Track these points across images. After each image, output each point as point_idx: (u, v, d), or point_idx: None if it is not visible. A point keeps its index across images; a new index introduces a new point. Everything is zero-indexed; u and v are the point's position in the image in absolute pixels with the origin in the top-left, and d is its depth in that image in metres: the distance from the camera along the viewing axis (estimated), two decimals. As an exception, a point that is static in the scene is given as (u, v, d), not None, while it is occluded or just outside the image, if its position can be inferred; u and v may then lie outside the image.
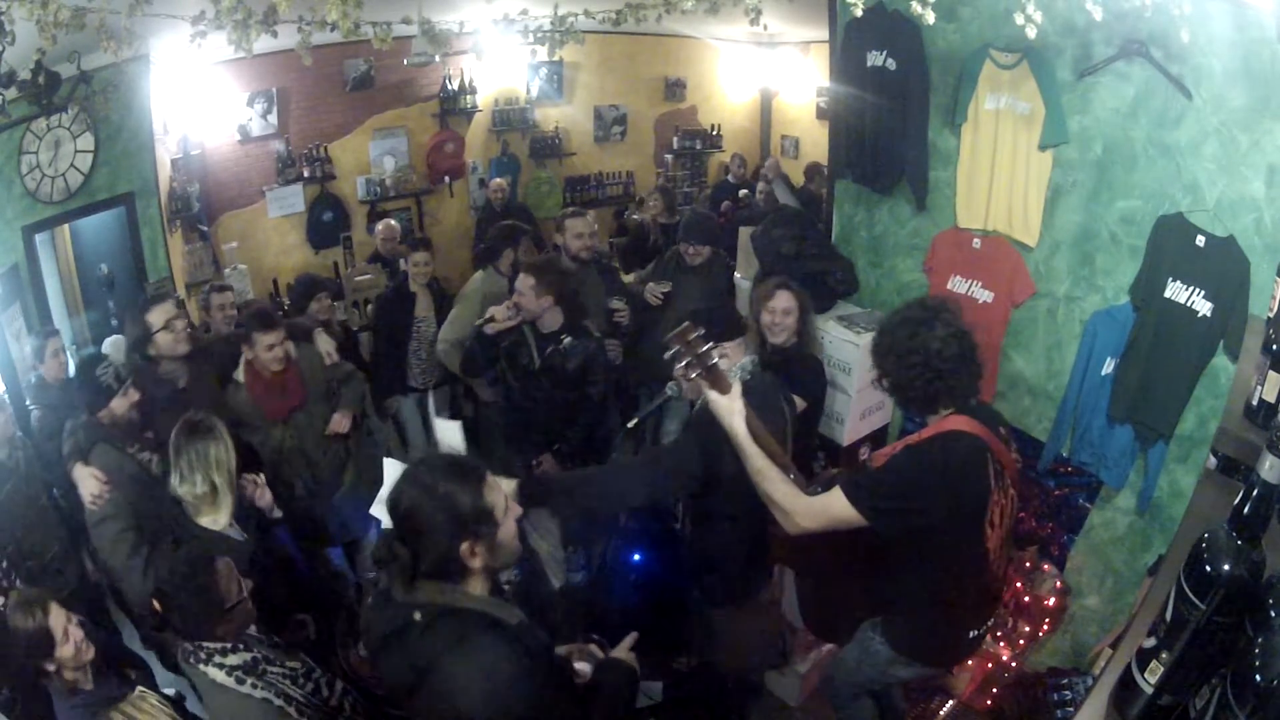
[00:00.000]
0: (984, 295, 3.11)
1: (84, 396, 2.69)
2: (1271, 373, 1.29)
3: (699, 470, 2.10)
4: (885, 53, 3.10)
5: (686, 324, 1.85)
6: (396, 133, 6.15)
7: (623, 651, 1.78)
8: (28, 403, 3.18)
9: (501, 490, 1.52)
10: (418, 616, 1.41)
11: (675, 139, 7.43)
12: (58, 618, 1.85)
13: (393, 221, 5.56)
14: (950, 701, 2.98)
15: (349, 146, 6.00)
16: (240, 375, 3.01)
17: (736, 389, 1.88)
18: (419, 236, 5.43)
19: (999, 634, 3.02)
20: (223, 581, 1.82)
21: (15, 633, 1.81)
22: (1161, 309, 2.55)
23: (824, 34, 3.59)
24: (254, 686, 1.81)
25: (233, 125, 5.42)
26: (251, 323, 2.97)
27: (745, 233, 3.81)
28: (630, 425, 2.41)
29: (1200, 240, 2.43)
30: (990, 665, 3.00)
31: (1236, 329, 2.37)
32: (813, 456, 3.22)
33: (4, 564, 2.39)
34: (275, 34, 2.41)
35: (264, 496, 2.50)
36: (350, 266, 5.66)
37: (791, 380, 2.61)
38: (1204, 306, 2.46)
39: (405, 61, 4.54)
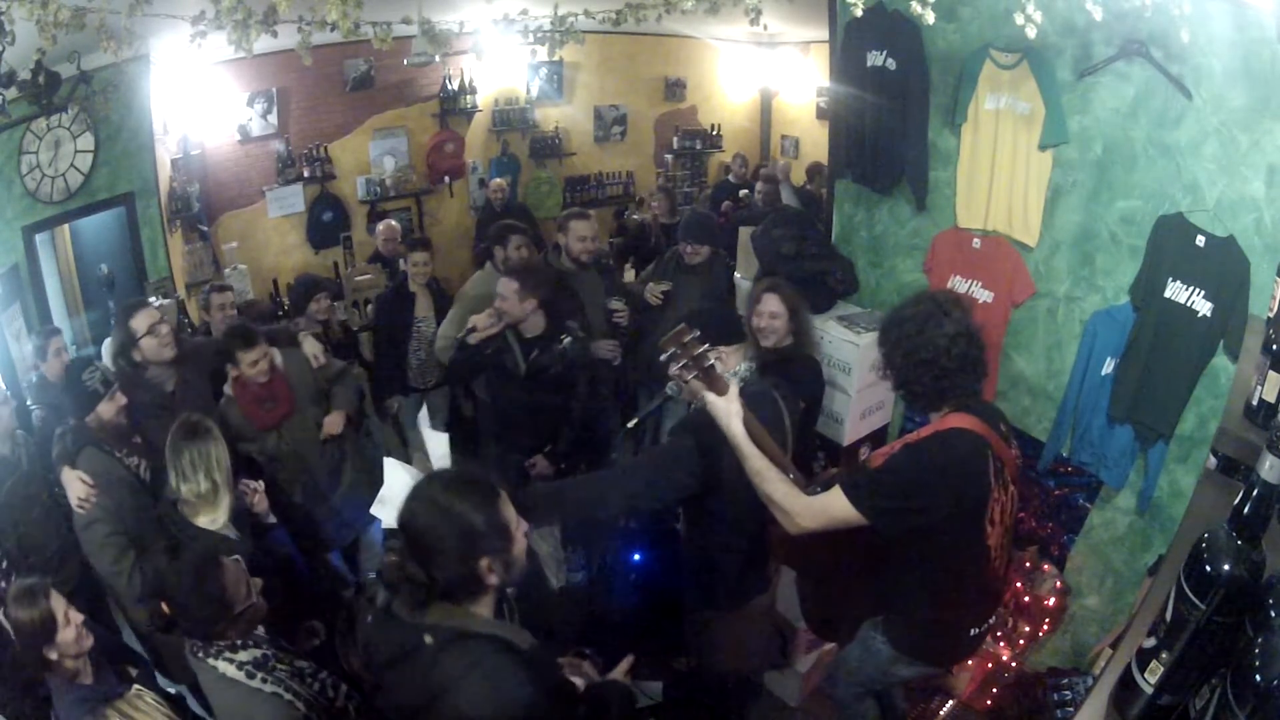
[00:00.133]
0: (984, 295, 3.10)
1: (71, 401, 2.68)
2: (1271, 373, 1.29)
3: (693, 474, 2.09)
4: (885, 53, 3.10)
5: (682, 325, 1.83)
6: (396, 133, 6.16)
7: (619, 674, 1.76)
8: (29, 402, 3.18)
9: (510, 505, 1.49)
10: (429, 640, 1.38)
11: (675, 139, 7.43)
12: (58, 602, 1.85)
13: (393, 221, 5.57)
14: (950, 701, 2.98)
15: (349, 146, 6.01)
16: (229, 389, 2.99)
17: (734, 390, 1.86)
18: (419, 236, 5.42)
19: (999, 634, 3.02)
20: (231, 581, 1.82)
21: (17, 623, 1.81)
22: (1161, 309, 2.55)
23: (824, 34, 3.58)
24: (264, 681, 1.81)
25: (233, 125, 5.42)
26: (233, 342, 2.92)
27: (745, 233, 3.81)
28: (630, 425, 2.41)
29: (1200, 240, 2.43)
30: (990, 665, 3.00)
31: (1236, 329, 2.37)
32: (812, 456, 3.22)
33: (4, 564, 2.39)
34: (275, 34, 2.42)
35: (261, 503, 2.51)
36: (350, 266, 5.66)
37: (789, 381, 2.61)
38: (1204, 306, 2.45)
39: (405, 61, 4.54)
